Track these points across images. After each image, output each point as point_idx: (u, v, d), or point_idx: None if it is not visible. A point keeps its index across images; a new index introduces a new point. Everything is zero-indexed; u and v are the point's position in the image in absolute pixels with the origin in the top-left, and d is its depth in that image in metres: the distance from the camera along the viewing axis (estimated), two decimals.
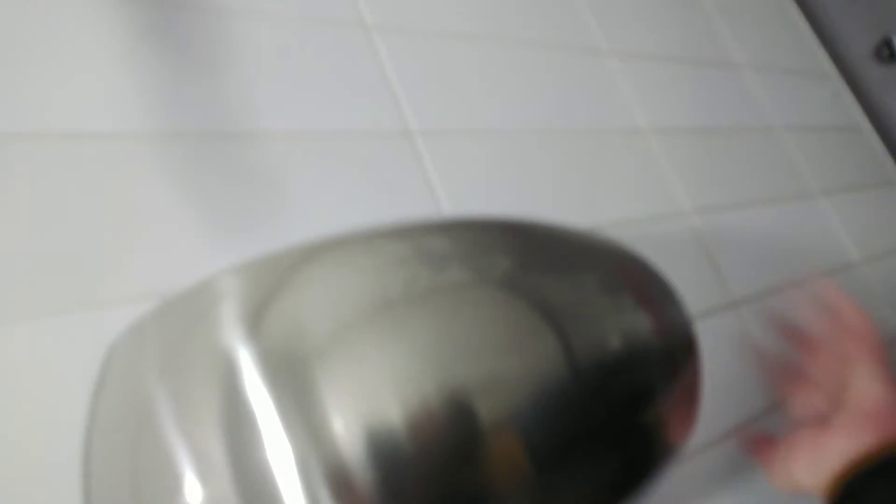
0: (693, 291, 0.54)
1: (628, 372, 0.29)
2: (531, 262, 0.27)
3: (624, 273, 0.31)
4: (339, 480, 0.23)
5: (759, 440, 0.42)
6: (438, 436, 0.24)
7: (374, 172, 0.43)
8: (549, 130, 0.53)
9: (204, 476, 0.24)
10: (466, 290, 0.26)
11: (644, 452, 0.31)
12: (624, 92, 0.62)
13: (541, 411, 0.26)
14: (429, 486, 0.24)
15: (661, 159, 0.60)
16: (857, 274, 0.70)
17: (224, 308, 0.25)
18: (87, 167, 0.33)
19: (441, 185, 0.45)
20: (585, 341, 0.27)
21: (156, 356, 0.26)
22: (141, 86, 0.37)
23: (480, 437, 0.25)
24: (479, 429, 0.25)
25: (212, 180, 0.37)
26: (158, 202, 0.35)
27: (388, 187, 0.43)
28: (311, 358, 0.24)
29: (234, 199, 0.37)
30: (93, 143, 0.34)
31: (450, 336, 0.25)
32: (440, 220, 0.28)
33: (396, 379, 0.24)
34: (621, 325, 0.28)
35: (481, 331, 0.25)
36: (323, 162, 0.41)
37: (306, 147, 0.41)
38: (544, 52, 0.58)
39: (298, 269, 0.25)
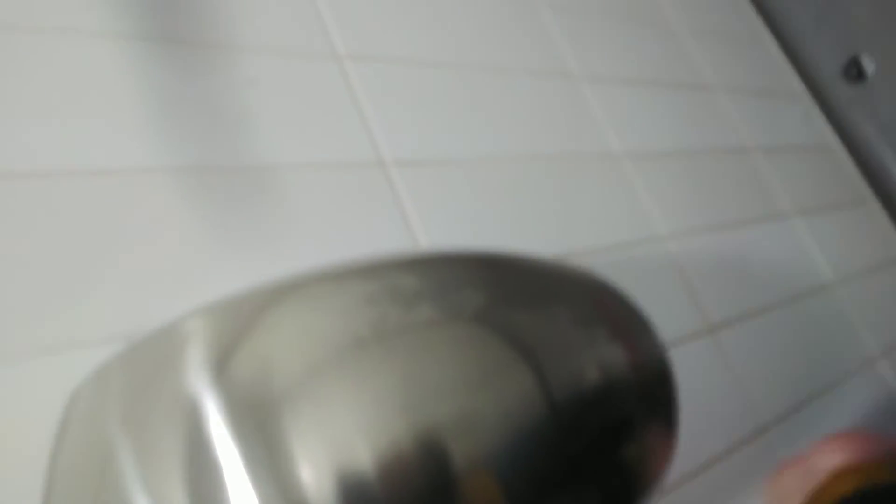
0: (670, 316, 0.55)
1: (604, 405, 0.29)
2: (503, 296, 0.27)
3: (598, 305, 0.31)
4: None
5: None
6: (410, 480, 0.23)
7: (347, 203, 0.42)
8: (524, 157, 0.53)
9: None
10: (437, 327, 0.25)
11: (623, 488, 0.30)
12: (597, 116, 0.62)
13: (516, 450, 0.25)
14: None
15: (635, 183, 0.60)
16: (831, 295, 0.71)
17: (189, 352, 0.24)
18: (53, 204, 0.33)
19: (416, 215, 0.45)
20: (559, 376, 0.27)
21: (118, 402, 0.26)
22: (108, 121, 0.36)
23: (454, 480, 0.24)
24: (452, 471, 0.24)
25: (178, 216, 0.36)
26: (123, 238, 0.34)
27: (362, 218, 0.43)
28: (279, 403, 0.23)
29: (202, 233, 0.36)
30: (60, 178, 0.33)
31: (421, 376, 0.24)
32: (411, 255, 0.27)
33: (366, 423, 0.23)
34: (596, 359, 0.28)
35: (453, 369, 0.25)
36: (294, 194, 0.41)
37: (276, 179, 0.40)
38: (517, 78, 0.58)
39: (265, 310, 0.25)
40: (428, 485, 0.24)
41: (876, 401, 0.64)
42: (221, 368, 0.24)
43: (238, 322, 0.25)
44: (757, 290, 0.62)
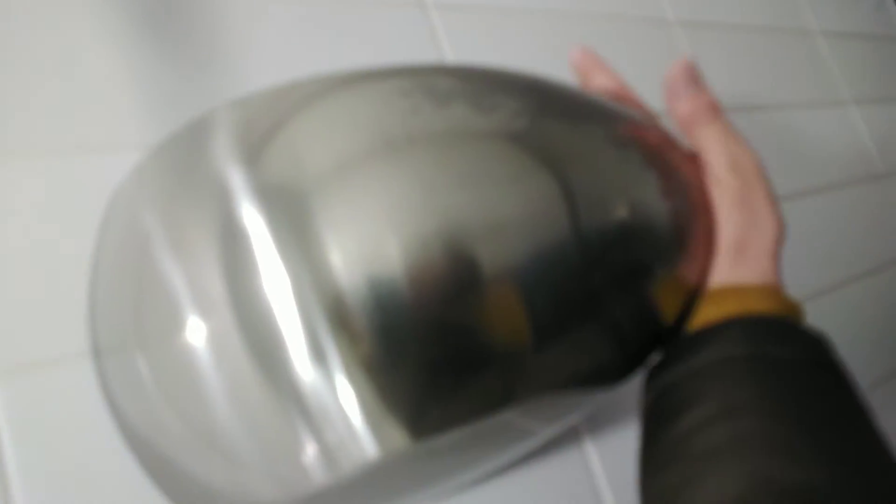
0: None
1: (632, 232, 0.28)
2: (538, 106, 0.26)
3: (636, 131, 0.30)
4: (336, 312, 0.24)
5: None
6: (436, 271, 0.24)
7: (385, 41, 0.42)
8: (570, 12, 0.51)
9: (204, 311, 0.25)
10: (470, 126, 0.25)
11: (640, 321, 0.30)
12: None
13: (541, 251, 0.26)
14: (424, 319, 0.24)
15: (686, 52, 0.58)
16: (881, 185, 0.68)
17: (220, 137, 0.24)
18: (89, 17, 0.33)
19: (453, 60, 0.44)
20: (589, 193, 0.26)
21: (153, 189, 0.26)
22: None
23: (478, 275, 0.25)
24: (477, 266, 0.25)
25: (217, 37, 0.36)
26: (161, 54, 0.34)
27: (399, 59, 0.42)
28: (309, 188, 0.24)
29: (238, 56, 0.36)
30: None
31: (451, 172, 0.24)
32: (448, 64, 0.27)
33: (395, 213, 0.24)
34: (626, 179, 0.28)
35: (484, 168, 0.25)
36: (331, 26, 0.40)
37: (315, 10, 0.40)
38: None
39: (298, 99, 0.25)
40: (452, 277, 0.24)
41: None
42: (252, 151, 0.24)
43: (269, 112, 0.25)
44: (805, 171, 0.60)
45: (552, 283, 0.26)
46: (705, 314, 0.31)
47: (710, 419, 0.27)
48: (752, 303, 0.30)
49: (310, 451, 0.24)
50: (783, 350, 0.28)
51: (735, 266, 0.31)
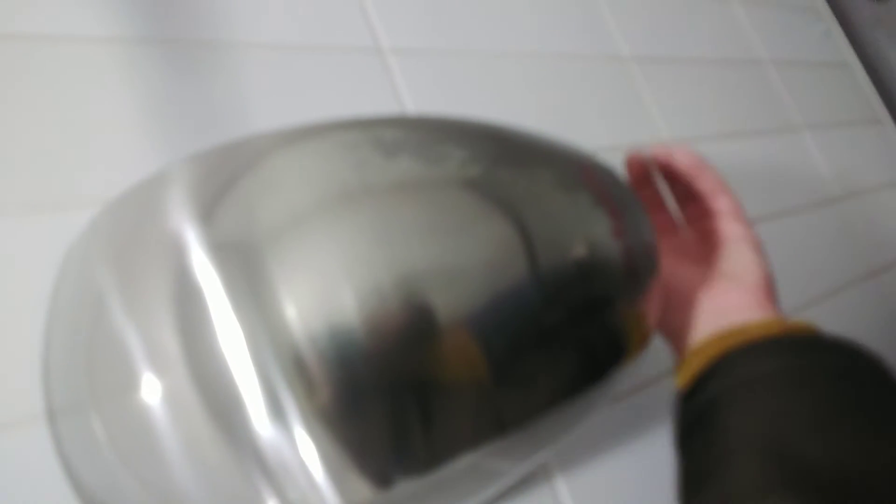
0: None
1: (584, 270, 0.29)
2: (486, 153, 0.27)
3: (585, 174, 0.30)
4: (293, 365, 0.23)
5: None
6: (392, 320, 0.24)
7: (343, 88, 0.42)
8: (528, 54, 0.53)
9: (159, 368, 0.24)
10: (418, 176, 0.25)
11: (598, 354, 0.31)
12: (605, 18, 0.61)
13: (495, 294, 0.26)
14: (382, 368, 0.24)
15: (643, 88, 0.59)
16: (837, 209, 0.70)
17: (174, 195, 0.25)
18: (50, 69, 0.33)
19: (413, 105, 0.44)
20: (541, 233, 0.27)
21: (107, 247, 0.26)
22: None
23: (434, 322, 0.25)
24: (432, 313, 0.25)
25: (179, 87, 0.36)
26: (124, 106, 0.34)
27: (357, 105, 0.42)
28: (262, 243, 0.24)
29: (199, 106, 0.36)
30: (55, 45, 0.33)
31: (401, 221, 0.24)
32: (395, 115, 0.27)
33: (348, 263, 0.24)
34: (577, 220, 0.28)
35: (433, 217, 0.25)
36: (291, 75, 0.40)
37: (275, 59, 0.40)
38: None
39: (250, 156, 0.25)
40: (408, 322, 0.24)
41: (876, 313, 0.65)
42: (206, 207, 0.24)
43: (223, 167, 0.25)
44: (760, 199, 0.62)
45: (509, 326, 0.26)
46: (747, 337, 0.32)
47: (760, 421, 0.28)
48: (793, 328, 0.32)
49: None
50: (834, 358, 0.30)
51: (767, 303, 0.34)
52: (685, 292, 0.36)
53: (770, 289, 0.36)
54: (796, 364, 0.30)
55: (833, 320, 0.58)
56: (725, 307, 0.34)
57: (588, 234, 0.28)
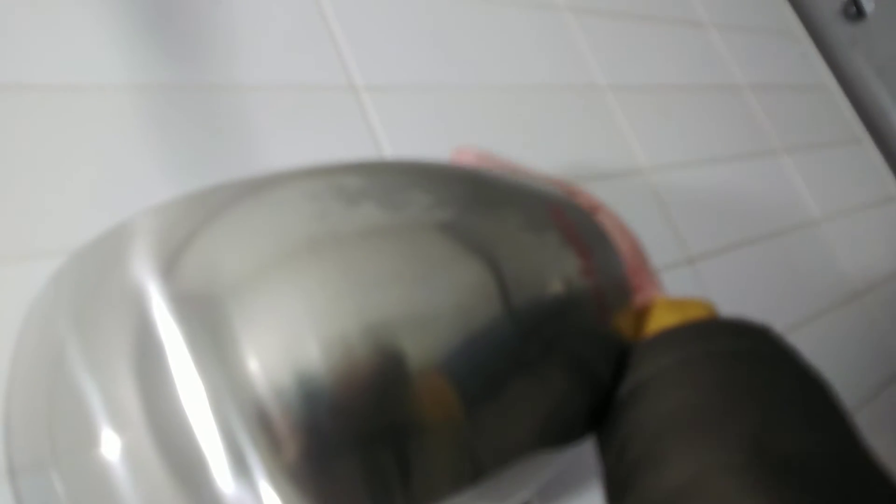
0: (650, 247, 0.54)
1: (555, 306, 0.29)
2: (450, 197, 0.27)
3: (553, 213, 0.30)
4: (257, 419, 0.23)
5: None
6: (358, 369, 0.24)
7: (318, 127, 0.42)
8: (504, 87, 0.53)
9: (119, 424, 0.24)
10: (380, 223, 0.25)
11: (577, 388, 0.30)
12: (581, 48, 0.61)
13: (464, 337, 0.25)
14: (351, 419, 0.23)
15: (618, 115, 0.59)
16: (817, 231, 0.70)
17: (136, 246, 0.24)
18: (30, 116, 0.32)
19: (387, 141, 0.44)
20: (511, 276, 0.26)
21: (69, 297, 0.26)
22: (92, 37, 0.36)
23: (402, 368, 0.24)
24: (400, 359, 0.24)
25: (152, 131, 0.36)
26: (101, 150, 0.34)
27: (333, 142, 0.42)
28: (224, 296, 0.23)
29: (178, 147, 0.36)
30: (38, 92, 0.33)
31: (365, 269, 0.24)
32: (358, 160, 0.27)
33: (312, 314, 0.23)
34: (546, 259, 0.28)
35: (397, 263, 0.25)
36: (266, 115, 0.40)
37: (248, 99, 0.40)
38: (496, 7, 0.57)
39: (210, 207, 0.25)
40: (376, 371, 0.24)
41: (858, 333, 0.64)
42: (167, 260, 0.24)
43: (183, 218, 0.25)
44: (739, 224, 0.62)
45: (481, 368, 0.26)
46: (656, 323, 0.32)
47: (680, 408, 0.28)
48: (692, 311, 0.32)
49: None
50: (738, 342, 0.30)
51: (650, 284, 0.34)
52: None
53: (639, 263, 0.35)
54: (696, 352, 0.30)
55: (816, 344, 0.58)
56: None
57: (557, 272, 0.28)
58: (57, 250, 0.31)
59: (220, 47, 0.40)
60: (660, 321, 0.32)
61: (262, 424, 0.23)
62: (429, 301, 0.25)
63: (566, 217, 0.31)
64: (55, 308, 0.26)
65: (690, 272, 0.55)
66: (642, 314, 0.33)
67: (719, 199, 0.62)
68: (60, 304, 0.26)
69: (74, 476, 0.24)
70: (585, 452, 0.38)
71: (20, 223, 0.31)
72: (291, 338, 0.23)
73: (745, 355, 0.30)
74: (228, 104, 0.39)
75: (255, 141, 0.39)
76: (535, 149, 0.52)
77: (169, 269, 0.24)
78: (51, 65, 0.34)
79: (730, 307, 0.55)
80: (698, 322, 0.32)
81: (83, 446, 0.24)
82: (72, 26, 0.36)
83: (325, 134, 0.42)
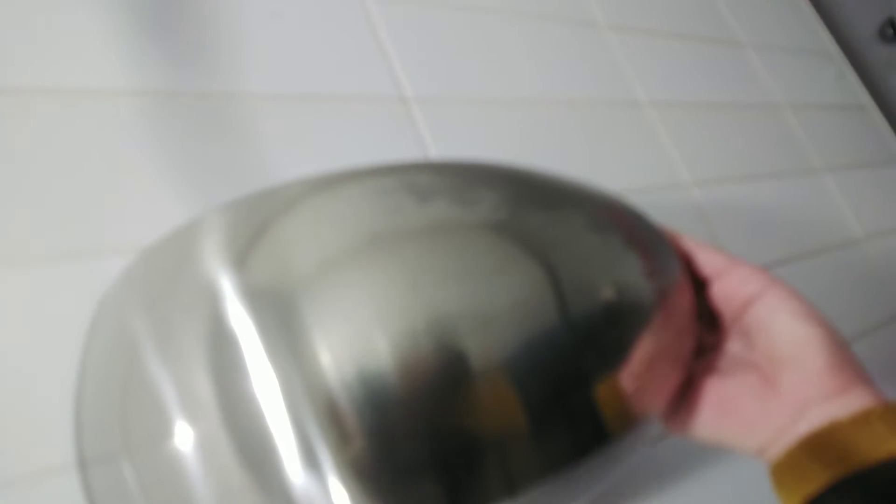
0: None
1: (615, 308, 0.29)
2: (517, 197, 0.27)
3: (614, 215, 0.30)
4: (327, 413, 0.23)
5: None
6: (427, 367, 0.24)
7: (368, 137, 0.43)
8: (548, 101, 0.53)
9: (192, 416, 0.24)
10: (452, 220, 0.26)
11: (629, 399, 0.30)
12: (623, 66, 0.62)
13: (529, 339, 0.26)
14: (417, 417, 0.24)
15: (659, 131, 0.60)
16: (859, 250, 0.69)
17: (208, 242, 0.25)
18: (79, 122, 0.34)
19: (436, 152, 0.45)
20: (573, 277, 0.27)
21: (141, 295, 0.26)
22: (136, 44, 0.37)
23: (469, 368, 0.25)
24: (467, 359, 0.25)
25: (205, 140, 0.37)
26: (150, 158, 0.35)
27: (383, 153, 0.43)
28: (296, 289, 0.24)
29: (225, 158, 0.37)
30: (84, 98, 0.34)
31: (436, 266, 0.24)
32: (427, 160, 0.28)
33: (383, 310, 0.24)
34: (609, 261, 0.28)
35: (468, 261, 0.25)
36: (315, 126, 0.41)
37: (299, 110, 0.41)
38: (543, 24, 0.58)
39: (282, 203, 0.25)
40: (443, 371, 0.24)
41: None
42: (239, 255, 0.24)
43: (256, 215, 0.25)
44: (781, 240, 0.61)
45: (543, 371, 0.26)
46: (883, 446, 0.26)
47: None
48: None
49: None
50: None
51: (844, 378, 0.28)
52: (740, 399, 0.30)
53: (841, 356, 0.29)
54: None
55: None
56: (796, 401, 0.28)
57: (621, 274, 0.28)
58: (122, 248, 0.32)
59: (269, 56, 0.42)
60: (887, 444, 0.25)
61: (332, 417, 0.23)
62: (495, 300, 0.25)
63: (627, 220, 0.31)
64: (128, 303, 0.27)
65: None
66: (856, 422, 0.27)
67: (761, 216, 0.61)
68: (133, 300, 0.27)
69: (147, 467, 0.25)
70: (643, 456, 0.38)
71: (86, 221, 0.32)
72: (361, 333, 0.24)
73: None
74: (276, 113, 0.40)
75: (303, 151, 0.40)
76: (579, 162, 0.52)
77: (241, 264, 0.24)
78: (102, 71, 0.36)
79: None
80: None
81: (157, 437, 0.25)
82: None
83: (374, 145, 0.43)
